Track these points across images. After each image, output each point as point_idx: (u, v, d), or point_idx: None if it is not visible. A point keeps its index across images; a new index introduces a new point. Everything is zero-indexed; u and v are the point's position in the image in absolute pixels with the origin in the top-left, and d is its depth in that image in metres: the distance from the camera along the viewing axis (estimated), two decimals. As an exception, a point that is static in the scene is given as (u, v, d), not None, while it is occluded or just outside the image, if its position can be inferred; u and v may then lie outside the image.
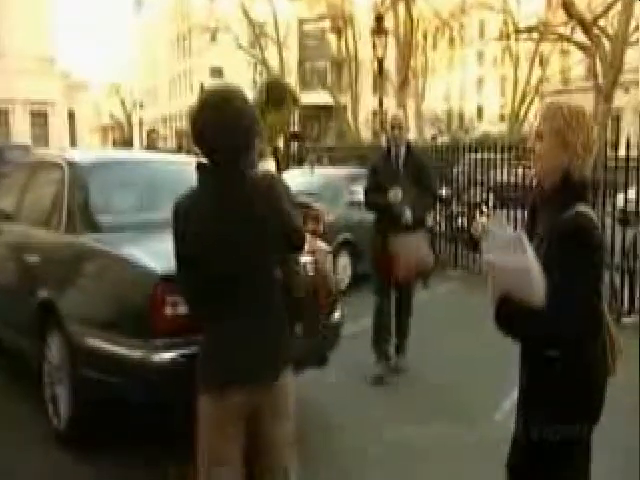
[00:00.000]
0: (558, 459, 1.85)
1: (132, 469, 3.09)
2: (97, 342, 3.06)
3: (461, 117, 47.25)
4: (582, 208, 1.79)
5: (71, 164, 3.88)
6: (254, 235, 1.84)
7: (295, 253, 2.23)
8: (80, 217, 3.55)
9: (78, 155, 4.42)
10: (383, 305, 4.63)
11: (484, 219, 2.04)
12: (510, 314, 1.78)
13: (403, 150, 4.60)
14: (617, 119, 25.10)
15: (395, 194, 4.38)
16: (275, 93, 2.80)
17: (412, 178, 4.53)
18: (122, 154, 6.50)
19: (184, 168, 4.35)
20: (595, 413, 1.87)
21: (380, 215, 4.62)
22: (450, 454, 3.40)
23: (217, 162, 1.82)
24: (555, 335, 1.74)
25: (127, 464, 3.12)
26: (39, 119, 25.10)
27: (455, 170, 9.40)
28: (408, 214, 4.43)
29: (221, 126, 1.75)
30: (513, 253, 1.71)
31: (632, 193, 6.55)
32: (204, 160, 1.84)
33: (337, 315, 3.86)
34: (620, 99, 20.66)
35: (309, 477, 3.09)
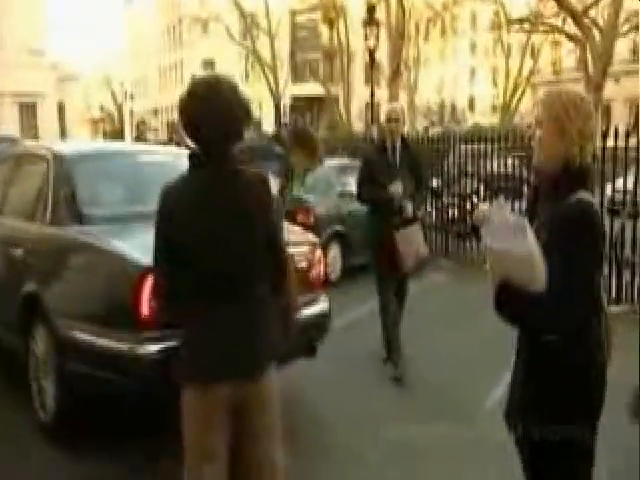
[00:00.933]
0: (562, 454, 1.82)
1: (121, 462, 3.08)
2: (83, 335, 3.04)
3: (453, 108, 47.22)
4: (583, 195, 1.78)
5: (56, 156, 3.85)
6: (243, 229, 1.83)
7: (277, 275, 2.02)
8: (65, 209, 3.52)
9: (63, 147, 4.38)
10: (389, 303, 4.55)
11: (485, 206, 2.01)
12: (510, 300, 1.76)
13: (398, 144, 4.56)
14: (607, 110, 25.18)
15: (397, 188, 4.36)
16: (301, 138, 3.15)
17: (408, 171, 4.52)
18: (108, 146, 6.47)
19: (171, 160, 4.33)
20: (597, 403, 1.83)
21: (378, 209, 4.55)
22: (447, 450, 3.41)
23: (208, 151, 1.81)
24: (555, 321, 1.72)
25: (115, 458, 3.11)
26: (28, 111, 24.87)
27: (446, 161, 9.39)
28: (410, 208, 4.44)
29: (212, 115, 1.75)
30: (514, 238, 1.69)
31: (620, 183, 6.57)
32: (196, 149, 1.84)
33: (323, 306, 3.86)
34: (610, 90, 20.71)
35: (299, 471, 3.11)
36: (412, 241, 4.43)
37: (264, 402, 1.94)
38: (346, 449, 3.38)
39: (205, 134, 1.78)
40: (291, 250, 3.73)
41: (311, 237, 4.08)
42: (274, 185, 2.61)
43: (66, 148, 4.33)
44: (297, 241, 3.75)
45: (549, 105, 1.85)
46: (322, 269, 3.98)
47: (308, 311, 3.74)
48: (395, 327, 4.53)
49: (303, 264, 3.81)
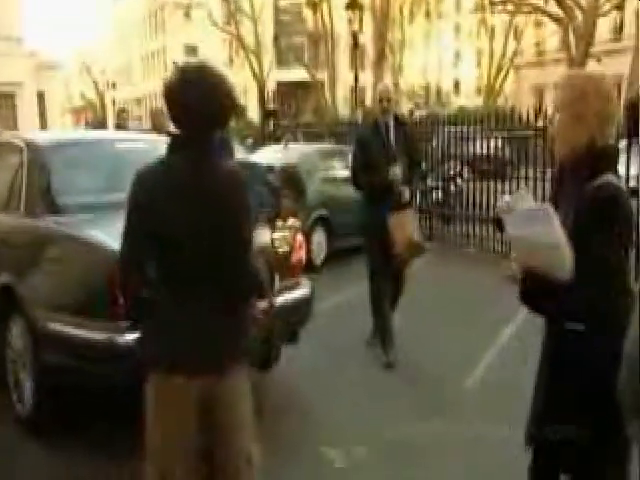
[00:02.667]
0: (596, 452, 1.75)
1: (101, 455, 3.06)
2: (60, 326, 3.00)
3: (438, 91, 47.12)
4: (608, 177, 1.74)
5: (29, 145, 3.77)
6: (223, 221, 1.77)
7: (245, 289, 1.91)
8: (40, 199, 3.46)
9: (37, 136, 4.30)
10: (381, 289, 4.41)
11: (508, 197, 1.93)
12: (536, 289, 1.70)
13: (392, 123, 4.39)
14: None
15: (395, 172, 4.19)
16: (292, 182, 3.17)
17: (403, 151, 4.35)
18: (84, 134, 6.37)
19: (150, 147, 4.27)
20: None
21: (374, 193, 4.34)
22: (436, 440, 3.41)
23: (191, 136, 1.77)
24: (583, 309, 1.67)
25: (95, 451, 3.08)
26: (7, 101, 24.40)
27: (430, 144, 9.37)
28: (407, 192, 4.30)
29: (200, 98, 1.72)
30: (540, 226, 1.64)
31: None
32: (178, 133, 1.80)
33: (305, 291, 3.84)
34: (592, 70, 20.74)
35: (281, 461, 3.11)
36: (405, 226, 4.27)
37: (233, 400, 1.87)
38: (330, 434, 3.38)
39: (191, 118, 1.74)
40: (272, 235, 3.76)
41: (292, 221, 4.04)
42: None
43: (40, 137, 4.26)
44: (278, 225, 3.72)
45: (565, 89, 1.81)
46: (304, 254, 3.95)
47: (289, 296, 3.73)
48: (388, 314, 4.43)
49: (284, 248, 3.78)
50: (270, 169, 2.92)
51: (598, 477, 1.82)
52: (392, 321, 4.47)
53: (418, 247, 4.41)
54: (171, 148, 1.79)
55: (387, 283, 4.42)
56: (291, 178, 3.02)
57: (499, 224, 1.87)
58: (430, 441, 3.28)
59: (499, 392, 3.86)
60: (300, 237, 3.91)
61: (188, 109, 1.74)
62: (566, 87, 1.82)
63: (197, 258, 1.76)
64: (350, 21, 16.39)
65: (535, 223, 1.66)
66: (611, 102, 1.79)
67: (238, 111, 1.98)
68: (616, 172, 1.82)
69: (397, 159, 4.25)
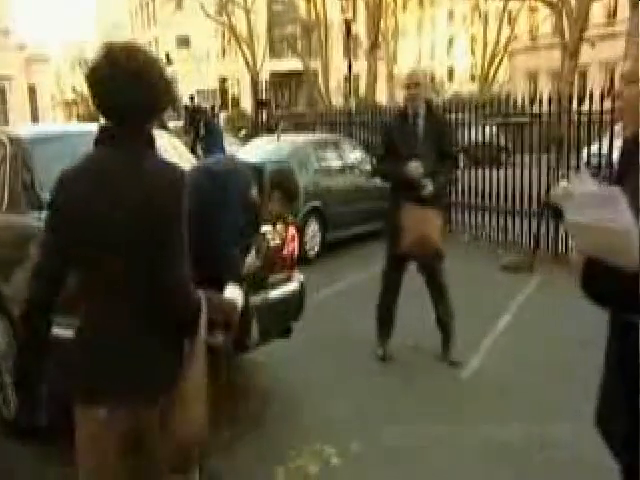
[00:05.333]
0: None
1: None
2: (46, 325, 2.92)
3: (432, 78, 46.85)
4: None
5: (13, 140, 3.68)
6: (152, 225, 1.50)
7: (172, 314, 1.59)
8: (23, 195, 3.37)
9: (22, 130, 4.19)
10: (390, 282, 4.22)
11: (565, 182, 1.79)
12: (600, 278, 1.57)
13: (422, 112, 4.02)
14: (584, 74, 25.13)
15: (415, 167, 3.87)
16: (284, 185, 2.71)
17: (432, 143, 3.99)
18: (70, 127, 6.26)
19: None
20: None
21: (397, 185, 4.11)
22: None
23: (122, 126, 1.52)
24: None
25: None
26: (-3, 95, 24.22)
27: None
28: (429, 187, 3.91)
29: (131, 81, 1.49)
30: (607, 211, 1.50)
31: (596, 148, 6.54)
32: (107, 124, 1.57)
33: (297, 285, 3.77)
34: (586, 54, 20.62)
35: (275, 459, 3.06)
36: (420, 221, 3.91)
37: (167, 426, 1.59)
38: (324, 431, 3.33)
39: (119, 106, 1.50)
40: (263, 228, 3.69)
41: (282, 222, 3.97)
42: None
43: (24, 131, 4.15)
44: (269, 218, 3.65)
45: (635, 58, 1.68)
46: (296, 247, 3.88)
47: (282, 290, 3.67)
48: (391, 306, 4.27)
49: (276, 242, 3.72)
50: (260, 170, 2.70)
51: None
52: (393, 316, 4.31)
53: (430, 249, 4.00)
54: (98, 143, 1.55)
55: (400, 276, 4.21)
56: (284, 180, 2.75)
57: (555, 212, 1.73)
58: (425, 436, 3.23)
59: (495, 384, 3.82)
60: (292, 230, 3.85)
61: (115, 95, 1.49)
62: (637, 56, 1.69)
63: (118, 271, 1.51)
64: (343, 9, 16.21)
65: (601, 208, 1.52)
66: None
67: (174, 97, 1.73)
68: None
69: (420, 151, 3.92)
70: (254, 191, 2.60)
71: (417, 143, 3.96)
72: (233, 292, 2.45)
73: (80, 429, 1.58)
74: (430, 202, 3.93)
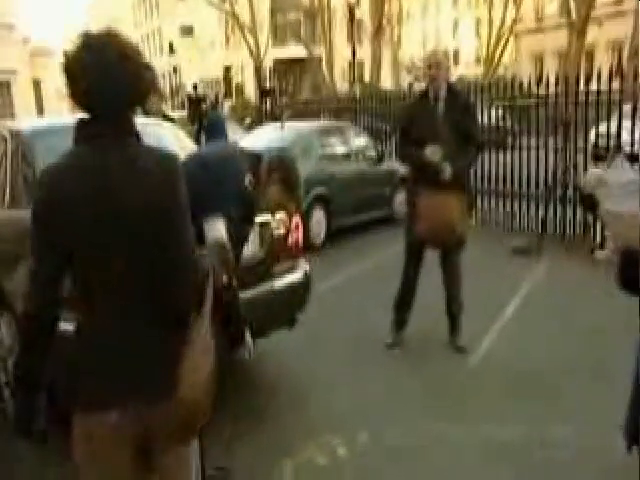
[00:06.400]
0: None
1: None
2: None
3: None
4: None
5: (14, 133, 3.66)
6: (152, 221, 1.47)
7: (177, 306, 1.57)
8: (25, 191, 3.36)
9: (23, 124, 4.18)
10: (409, 269, 4.15)
11: (598, 170, 1.73)
12: (636, 269, 1.52)
13: (443, 93, 3.92)
14: (591, 54, 24.75)
15: (433, 152, 3.77)
16: (284, 173, 2.54)
17: (453, 126, 3.86)
18: (73, 120, 6.22)
19: (142, 131, 4.16)
20: None
21: (416, 169, 4.03)
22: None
23: (105, 118, 1.45)
24: None
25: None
26: (2, 89, 24.18)
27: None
28: (448, 171, 3.78)
29: (111, 69, 1.42)
30: None
31: (604, 128, 6.44)
32: (86, 118, 1.49)
33: (302, 274, 3.75)
34: (593, 34, 20.29)
35: (280, 452, 3.06)
36: (438, 207, 3.79)
37: (175, 430, 1.55)
38: (329, 422, 3.32)
39: (102, 95, 1.43)
40: (268, 217, 3.66)
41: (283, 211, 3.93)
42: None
43: (25, 125, 4.13)
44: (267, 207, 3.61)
45: None
46: (301, 236, 3.85)
47: (286, 280, 3.65)
48: (408, 295, 4.19)
49: (280, 231, 3.69)
50: (257, 157, 2.59)
51: None
52: (410, 304, 4.22)
53: (451, 236, 3.90)
54: (78, 137, 1.48)
55: (418, 264, 4.13)
56: (283, 168, 2.61)
57: (588, 201, 1.69)
58: (432, 430, 3.21)
59: (502, 373, 3.79)
60: (297, 219, 3.81)
61: (94, 83, 1.42)
62: None
63: (122, 271, 1.46)
64: (346, -7, 16.05)
65: (638, 196, 1.47)
66: None
67: (155, 84, 1.66)
68: None
69: (440, 134, 3.81)
70: (248, 179, 2.50)
71: (437, 126, 3.86)
72: (213, 227, 2.30)
73: (84, 436, 1.50)
74: (450, 187, 3.79)
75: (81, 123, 1.47)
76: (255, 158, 2.53)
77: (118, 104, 1.46)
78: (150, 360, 1.51)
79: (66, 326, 1.57)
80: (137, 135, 1.50)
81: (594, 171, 1.71)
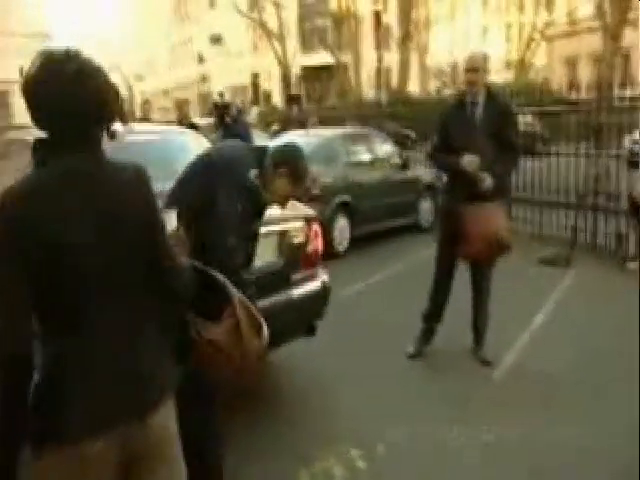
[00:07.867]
0: None
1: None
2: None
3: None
4: None
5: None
6: (129, 236, 1.43)
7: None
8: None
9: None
10: (440, 281, 4.02)
11: None
12: None
13: (482, 99, 3.74)
14: (626, 58, 24.17)
15: (470, 162, 3.60)
16: (289, 162, 2.41)
17: (492, 132, 3.68)
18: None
19: (163, 139, 4.16)
20: None
21: (452, 178, 3.88)
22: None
23: (60, 137, 1.38)
24: None
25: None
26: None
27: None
28: (489, 181, 3.60)
29: (59, 90, 1.37)
30: None
31: (638, 134, 6.24)
32: (48, 138, 1.40)
33: (321, 283, 3.68)
34: (629, 37, 19.81)
35: (298, 455, 2.99)
36: (484, 221, 3.63)
37: (160, 450, 1.48)
38: (349, 429, 3.24)
39: (56, 116, 1.37)
40: (286, 226, 3.61)
41: (308, 211, 3.88)
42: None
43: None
44: (293, 216, 3.56)
45: None
46: (320, 244, 3.79)
47: (305, 288, 3.58)
48: (440, 308, 4.06)
49: (299, 239, 3.63)
50: (263, 150, 2.48)
51: None
52: (439, 315, 4.09)
53: (500, 246, 3.71)
54: (39, 159, 1.39)
55: (450, 281, 4.00)
56: (289, 158, 2.46)
57: (637, 208, 1.56)
58: (453, 438, 3.10)
59: (528, 386, 3.66)
60: (316, 226, 3.75)
61: (53, 102, 1.37)
62: None
63: (109, 289, 1.41)
64: (373, 0, 15.99)
65: None
66: None
67: (120, 104, 1.60)
68: None
69: (477, 142, 3.65)
70: (253, 173, 2.39)
71: (474, 133, 3.69)
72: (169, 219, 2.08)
73: (58, 469, 1.35)
74: (491, 198, 3.62)
75: (40, 143, 1.40)
76: (261, 152, 2.45)
77: (77, 123, 1.39)
78: (142, 374, 1.45)
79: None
80: (98, 149, 1.43)
81: None
